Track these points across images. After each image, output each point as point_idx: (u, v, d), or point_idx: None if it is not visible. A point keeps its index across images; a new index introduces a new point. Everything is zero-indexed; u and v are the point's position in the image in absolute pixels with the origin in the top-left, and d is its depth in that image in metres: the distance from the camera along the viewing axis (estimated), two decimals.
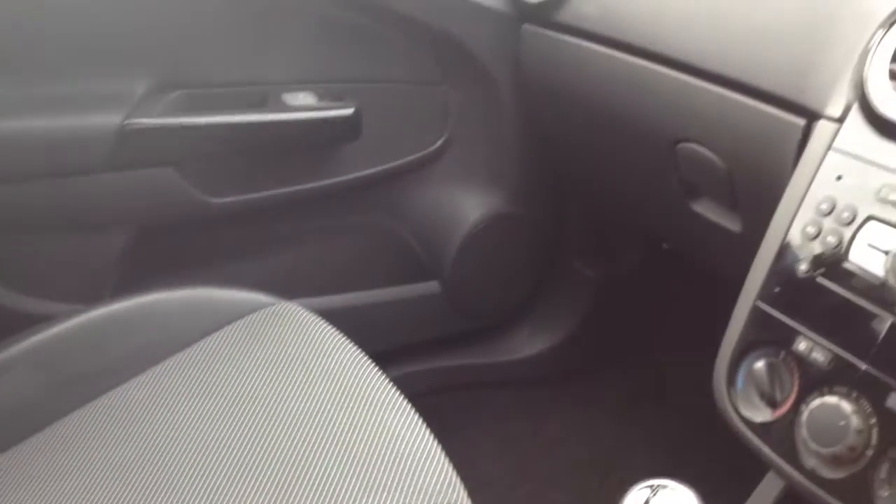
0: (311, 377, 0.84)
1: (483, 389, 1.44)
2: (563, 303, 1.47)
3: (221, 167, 1.11)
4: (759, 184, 0.85)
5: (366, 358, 0.87)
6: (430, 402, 1.35)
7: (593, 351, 1.48)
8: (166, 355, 0.89)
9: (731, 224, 0.97)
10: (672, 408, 1.41)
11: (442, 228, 1.32)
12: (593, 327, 1.46)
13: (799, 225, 0.70)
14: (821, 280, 0.67)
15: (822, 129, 0.72)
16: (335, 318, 1.18)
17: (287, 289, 1.17)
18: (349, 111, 1.13)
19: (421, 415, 0.78)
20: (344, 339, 0.89)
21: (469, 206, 1.32)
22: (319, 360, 0.86)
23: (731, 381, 0.72)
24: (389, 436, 0.75)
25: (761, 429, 0.69)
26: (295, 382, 0.83)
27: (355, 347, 0.88)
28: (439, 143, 1.27)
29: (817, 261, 0.67)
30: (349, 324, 1.22)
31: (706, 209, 1.01)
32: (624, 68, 1.01)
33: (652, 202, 1.14)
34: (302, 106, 1.11)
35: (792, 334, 0.68)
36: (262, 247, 1.21)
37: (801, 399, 0.66)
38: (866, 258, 0.64)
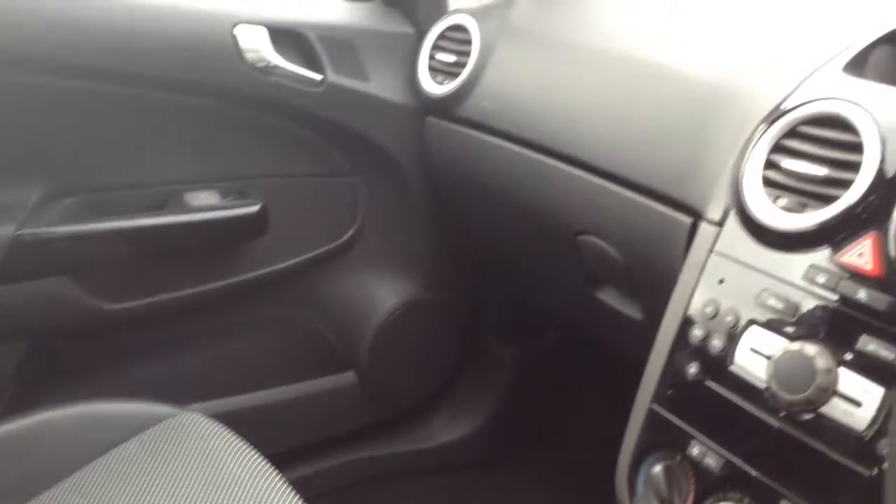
0: (211, 492, 0.81)
1: (405, 479, 1.41)
2: (482, 385, 1.46)
3: (121, 272, 1.08)
4: (654, 277, 0.87)
5: (269, 467, 0.84)
6: (352, 495, 1.32)
7: (515, 433, 1.47)
8: (58, 479, 0.84)
9: (634, 312, 0.98)
10: (595, 489, 1.40)
11: (357, 317, 1.31)
12: (514, 408, 1.46)
13: (687, 328, 0.71)
14: (709, 384, 0.68)
15: (705, 231, 0.74)
16: (247, 419, 1.16)
17: (195, 393, 1.14)
18: (254, 208, 1.12)
19: None
20: (247, 447, 0.87)
21: (383, 293, 1.31)
22: (221, 473, 0.83)
23: (631, 484, 0.72)
24: None
25: None
26: (195, 500, 0.80)
27: (258, 457, 0.85)
28: (350, 233, 1.27)
29: (705, 365, 0.69)
30: (262, 424, 1.20)
31: (610, 297, 1.03)
32: (523, 162, 1.03)
33: (559, 288, 1.15)
34: (204, 206, 1.10)
35: (686, 438, 0.69)
36: (168, 350, 1.18)
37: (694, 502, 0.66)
38: (750, 363, 0.66)
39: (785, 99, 0.72)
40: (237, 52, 1.06)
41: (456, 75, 1.13)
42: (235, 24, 1.06)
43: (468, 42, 1.13)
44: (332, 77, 1.13)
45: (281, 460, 0.87)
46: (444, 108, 1.14)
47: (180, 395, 1.09)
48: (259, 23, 1.07)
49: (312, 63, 1.12)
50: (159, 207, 1.08)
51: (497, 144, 1.08)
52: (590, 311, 1.08)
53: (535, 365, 1.47)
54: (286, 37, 1.11)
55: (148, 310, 1.10)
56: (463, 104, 1.12)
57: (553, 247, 1.05)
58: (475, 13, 1.15)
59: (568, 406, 1.50)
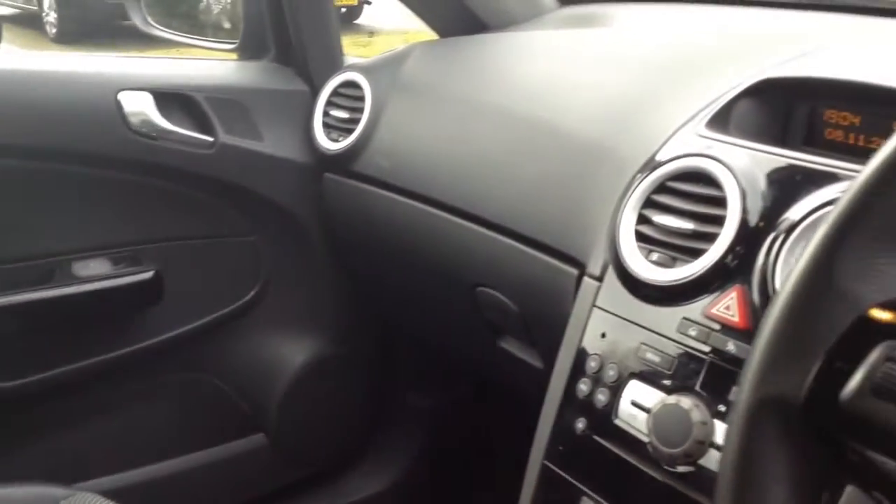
0: None
1: None
2: (399, 438, 1.45)
3: (10, 348, 1.03)
4: (548, 328, 0.88)
5: None
6: None
7: (435, 484, 1.46)
8: None
9: (535, 361, 0.99)
10: None
11: (264, 377, 1.28)
12: (432, 460, 1.44)
13: (574, 382, 0.72)
14: (597, 438, 0.69)
15: (587, 285, 0.76)
16: (150, 494, 1.11)
17: (93, 469, 1.10)
18: (147, 275, 1.10)
19: None
20: None
21: (291, 350, 1.29)
22: None
23: None
24: None
25: None
26: None
27: None
28: (253, 292, 1.24)
29: (592, 419, 0.69)
30: (167, 497, 1.15)
31: (512, 346, 1.04)
32: (419, 216, 1.04)
33: (465, 339, 1.15)
34: (93, 276, 1.06)
35: (578, 494, 0.69)
36: (62, 426, 1.13)
37: None
38: (632, 416, 0.67)
39: (654, 155, 0.75)
40: (122, 118, 1.04)
41: (350, 131, 1.13)
42: (119, 91, 1.04)
43: (361, 98, 1.13)
44: (224, 138, 1.11)
45: None
46: (341, 164, 1.14)
47: (77, 473, 1.04)
48: (143, 88, 1.05)
49: (202, 125, 1.11)
50: (46, 280, 1.04)
51: (393, 199, 1.08)
52: (496, 360, 1.08)
53: (451, 415, 1.46)
54: (174, 100, 1.09)
55: (41, 386, 1.06)
56: (358, 160, 1.12)
57: (453, 298, 1.05)
58: (367, 69, 1.16)
59: (489, 454, 1.49)
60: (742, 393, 0.35)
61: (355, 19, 7.55)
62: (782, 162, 0.69)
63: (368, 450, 1.42)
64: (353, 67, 1.18)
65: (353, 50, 1.29)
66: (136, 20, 1.31)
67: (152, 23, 1.31)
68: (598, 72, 0.96)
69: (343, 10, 7.54)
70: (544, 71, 1.01)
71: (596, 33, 1.15)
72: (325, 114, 1.17)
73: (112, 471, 1.14)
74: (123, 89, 1.04)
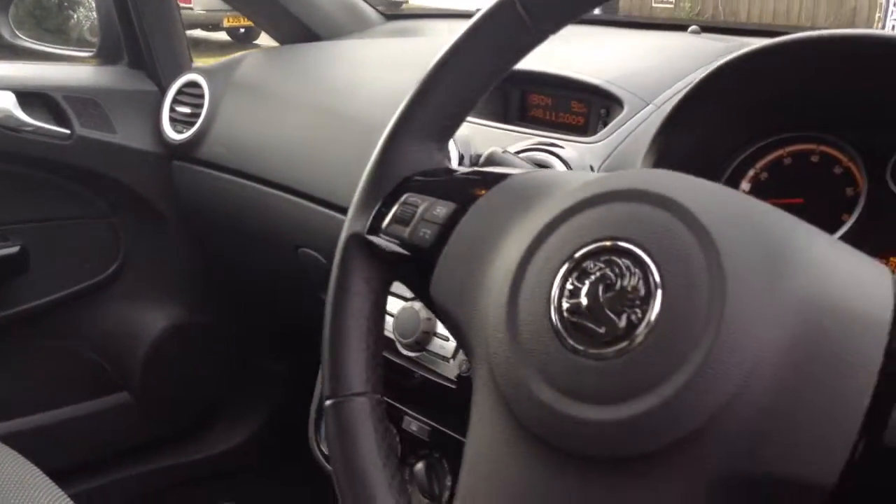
0: None
1: (187, 487, 1.56)
2: (255, 398, 1.64)
3: None
4: None
5: (46, 478, 0.99)
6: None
7: (286, 439, 1.65)
8: None
9: None
10: None
11: (127, 343, 1.46)
12: (284, 417, 1.64)
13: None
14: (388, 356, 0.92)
15: None
16: (24, 440, 1.27)
17: None
18: (14, 249, 1.26)
19: None
20: (23, 459, 1.00)
21: (151, 319, 1.47)
22: None
23: None
24: None
25: None
26: None
27: (35, 469, 0.99)
28: (114, 267, 1.42)
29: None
30: (40, 444, 1.31)
31: None
32: (250, 193, 1.25)
33: (295, 300, 1.37)
34: None
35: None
36: None
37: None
38: (387, 321, 0.90)
39: None
40: None
41: (193, 124, 1.33)
42: None
43: (202, 96, 1.33)
44: (80, 131, 1.29)
45: (61, 477, 1.01)
46: (186, 152, 1.34)
47: None
48: (6, 88, 1.22)
49: (61, 120, 1.28)
50: None
51: (230, 180, 1.28)
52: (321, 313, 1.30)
53: (305, 378, 1.67)
54: (35, 98, 1.26)
55: None
56: (200, 148, 1.32)
57: (282, 261, 1.26)
58: (207, 72, 1.36)
59: None
60: (342, 233, 0.57)
61: (254, 39, 7.38)
62: (499, 133, 0.94)
63: (227, 409, 1.61)
64: (195, 70, 1.38)
65: None
66: (3, 31, 1.47)
67: (19, 34, 1.48)
68: (397, 71, 1.19)
69: (241, 30, 7.52)
70: (352, 72, 1.25)
71: (407, 42, 1.40)
72: (172, 109, 1.37)
73: None
74: None
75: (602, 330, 0.40)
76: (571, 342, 0.41)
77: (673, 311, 0.38)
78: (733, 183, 0.79)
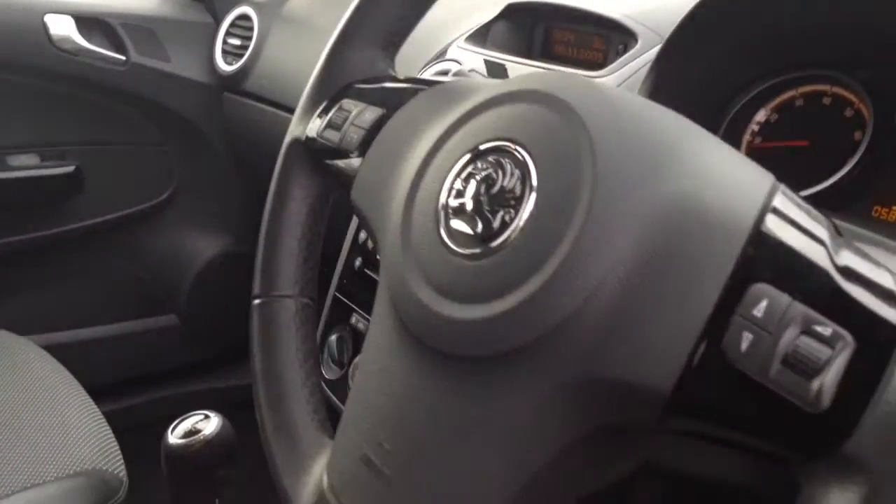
0: (19, 393, 1.01)
1: (224, 413, 1.62)
2: None
3: None
4: None
5: (58, 365, 1.05)
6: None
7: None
8: None
9: None
10: None
11: (176, 268, 1.52)
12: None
13: (358, 232, 0.96)
14: (367, 271, 0.93)
15: None
16: (74, 351, 1.35)
17: (21, 328, 1.33)
18: (70, 168, 1.33)
19: None
20: (62, 368, 1.07)
21: (200, 247, 1.53)
22: (30, 381, 1.03)
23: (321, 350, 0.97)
24: (62, 419, 0.95)
25: (332, 384, 0.93)
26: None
27: (73, 379, 1.06)
28: (166, 194, 1.48)
29: (364, 258, 0.93)
30: (84, 357, 1.39)
31: None
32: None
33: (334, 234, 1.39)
34: (24, 165, 1.30)
35: (350, 311, 0.93)
36: None
37: (353, 358, 0.91)
38: None
39: (428, 64, 0.98)
40: (47, 37, 1.27)
41: (242, 56, 1.36)
42: (45, 14, 1.26)
43: (252, 29, 1.36)
44: (136, 58, 1.34)
45: (99, 393, 1.06)
46: (235, 84, 1.37)
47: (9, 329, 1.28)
48: (66, 12, 1.28)
49: (117, 47, 1.34)
50: None
51: (274, 113, 1.31)
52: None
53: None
54: (93, 24, 1.32)
55: None
56: (247, 80, 1.35)
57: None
58: (258, 4, 1.38)
59: None
60: (286, 137, 0.58)
61: None
62: (523, 70, 0.92)
63: None
64: (248, 2, 1.41)
65: None
66: None
67: None
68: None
69: None
70: None
71: None
72: (224, 41, 1.40)
73: (39, 331, 1.38)
74: (49, 13, 1.27)
75: (478, 230, 0.39)
76: (451, 242, 0.40)
77: (542, 213, 0.37)
78: (740, 124, 0.75)
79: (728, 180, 0.36)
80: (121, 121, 1.40)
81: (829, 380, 0.30)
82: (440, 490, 0.40)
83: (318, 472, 0.47)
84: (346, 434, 0.45)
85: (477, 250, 0.39)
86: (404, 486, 0.41)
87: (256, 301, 0.56)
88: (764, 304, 0.32)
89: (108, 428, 1.00)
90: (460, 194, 0.41)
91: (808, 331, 0.31)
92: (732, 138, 0.75)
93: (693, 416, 0.34)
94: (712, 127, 0.77)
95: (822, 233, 0.33)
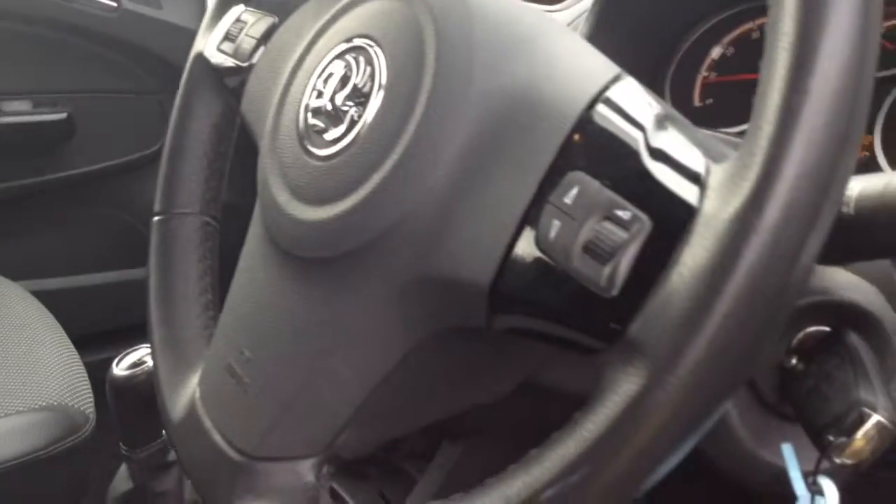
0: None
1: None
2: None
3: None
4: None
5: (43, 309, 1.07)
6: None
7: None
8: None
9: None
10: None
11: None
12: None
13: None
14: None
15: None
16: (55, 298, 1.36)
17: (13, 272, 1.35)
18: (62, 116, 1.34)
19: None
20: (30, 298, 1.09)
21: None
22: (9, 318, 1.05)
23: None
24: (36, 357, 0.96)
25: None
26: None
27: (39, 305, 1.07)
28: (159, 144, 1.48)
29: None
30: (72, 305, 1.41)
31: None
32: None
33: None
34: (17, 111, 1.31)
35: None
36: None
37: None
38: None
39: None
40: None
41: None
42: None
43: None
44: (127, 4, 1.34)
45: (84, 341, 1.07)
46: None
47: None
48: None
49: None
50: None
51: None
52: None
53: None
54: None
55: None
56: None
57: None
58: None
59: None
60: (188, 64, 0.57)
61: None
62: None
63: None
64: None
65: None
66: None
67: None
68: None
69: None
70: None
71: None
72: None
73: (28, 277, 1.40)
74: None
75: (330, 130, 0.38)
76: (309, 144, 0.39)
77: (386, 110, 0.36)
78: (695, 59, 0.72)
79: (568, 72, 0.34)
80: (113, 68, 1.40)
81: (622, 264, 0.28)
82: (291, 397, 0.39)
83: (194, 384, 0.46)
84: (216, 344, 0.45)
85: (329, 151, 0.38)
86: (259, 393, 0.40)
87: (156, 218, 0.55)
88: (575, 191, 0.30)
89: (82, 368, 1.01)
90: (320, 95, 0.40)
91: (609, 216, 0.29)
92: (686, 74, 0.73)
93: (515, 311, 0.33)
94: (664, 62, 0.74)
95: (646, 119, 0.31)
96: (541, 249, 0.31)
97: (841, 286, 0.38)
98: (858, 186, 0.35)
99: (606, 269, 0.29)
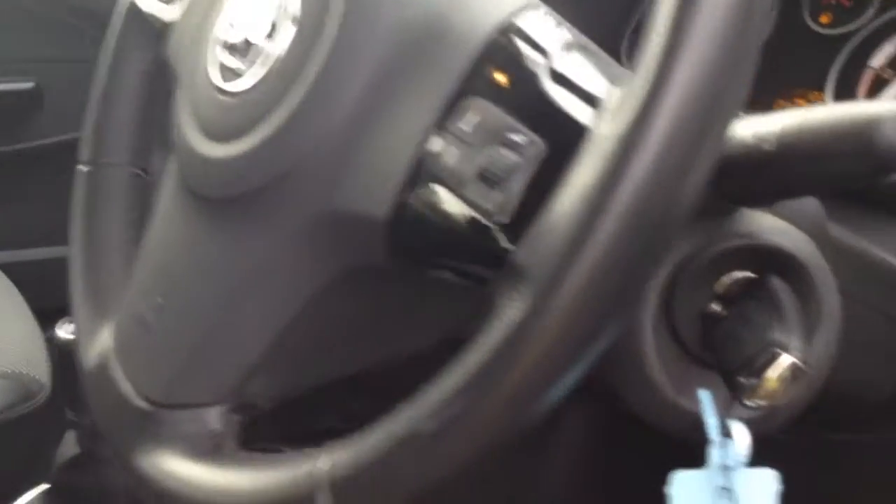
0: None
1: None
2: None
3: None
4: None
5: (5, 280, 1.05)
6: None
7: None
8: None
9: None
10: None
11: None
12: None
13: None
14: None
15: None
16: (22, 270, 1.35)
17: None
18: (29, 85, 1.32)
19: None
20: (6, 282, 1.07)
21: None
22: None
23: None
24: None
25: None
26: None
27: (14, 292, 1.05)
28: None
29: None
30: (38, 277, 1.38)
31: None
32: None
33: None
34: None
35: None
36: None
37: None
38: None
39: None
40: None
41: None
42: None
43: None
44: None
45: (49, 315, 1.06)
46: None
47: None
48: None
49: None
50: None
51: None
52: None
53: None
54: None
55: None
56: None
57: None
58: None
59: None
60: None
61: None
62: None
63: None
64: None
65: None
66: None
67: None
68: None
69: None
70: None
71: None
72: None
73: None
74: None
75: (240, 64, 0.37)
76: (219, 79, 0.38)
77: (295, 45, 0.35)
78: None
79: (479, 2, 0.33)
80: (82, 38, 1.37)
81: (513, 189, 0.27)
82: (197, 343, 0.38)
83: (108, 333, 0.45)
84: (131, 293, 0.43)
85: (238, 86, 0.37)
86: (167, 339, 0.39)
87: (83, 169, 0.54)
88: (474, 117, 0.29)
89: (40, 338, 1.00)
90: (232, 29, 0.38)
91: (505, 141, 0.28)
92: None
93: (413, 245, 0.31)
94: (622, 21, 0.73)
95: (553, 45, 0.30)
96: (437, 179, 0.30)
97: (766, 230, 0.37)
98: (781, 123, 0.33)
99: (497, 195, 0.28)
